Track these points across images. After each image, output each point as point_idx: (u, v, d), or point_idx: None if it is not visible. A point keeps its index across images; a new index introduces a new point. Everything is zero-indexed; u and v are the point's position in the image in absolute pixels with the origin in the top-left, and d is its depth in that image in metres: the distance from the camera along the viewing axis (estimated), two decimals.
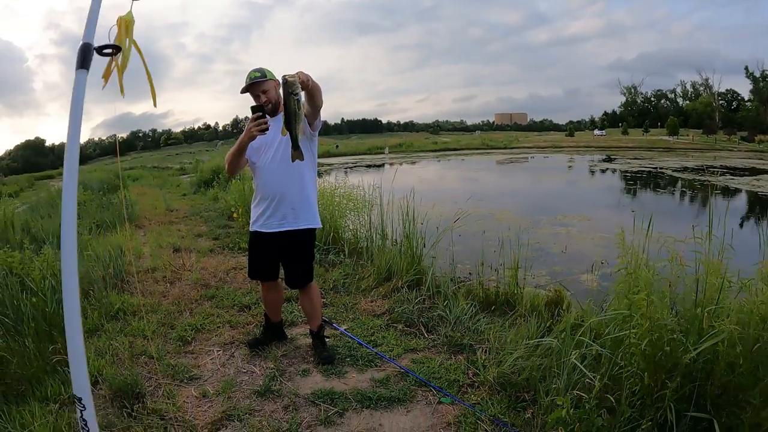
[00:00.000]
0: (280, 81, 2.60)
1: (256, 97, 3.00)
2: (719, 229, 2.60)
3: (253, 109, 2.85)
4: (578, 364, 2.50)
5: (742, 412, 2.06)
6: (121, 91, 1.84)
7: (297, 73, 2.58)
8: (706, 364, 2.22)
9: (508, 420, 2.52)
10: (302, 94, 2.67)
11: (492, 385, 2.82)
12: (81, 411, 1.67)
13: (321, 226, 3.32)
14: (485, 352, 3.20)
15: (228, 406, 2.69)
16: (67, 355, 2.84)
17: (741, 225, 9.73)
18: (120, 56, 1.74)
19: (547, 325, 3.39)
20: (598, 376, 2.39)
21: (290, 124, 2.61)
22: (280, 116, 2.77)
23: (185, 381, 2.98)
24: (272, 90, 3.02)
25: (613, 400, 2.29)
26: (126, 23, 1.74)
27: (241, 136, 2.94)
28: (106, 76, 1.77)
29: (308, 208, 3.12)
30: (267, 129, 2.82)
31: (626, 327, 2.41)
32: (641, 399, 2.30)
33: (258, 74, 2.98)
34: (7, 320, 2.70)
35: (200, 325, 3.82)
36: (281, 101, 2.85)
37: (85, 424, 1.66)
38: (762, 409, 2.01)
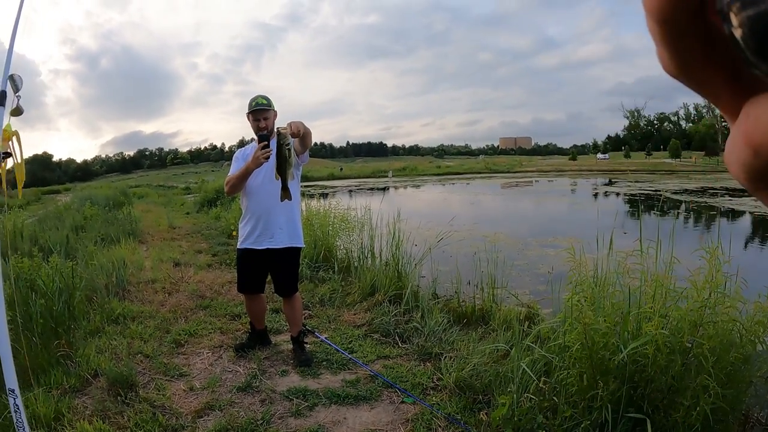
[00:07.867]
0: (276, 129, 2.96)
1: (256, 120, 3.35)
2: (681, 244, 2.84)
3: (260, 138, 3.21)
4: (526, 368, 2.71)
5: (675, 413, 2.20)
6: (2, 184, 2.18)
7: (288, 124, 2.96)
8: (639, 367, 2.35)
9: (462, 419, 2.75)
10: (294, 141, 3.05)
11: (452, 388, 3.05)
12: (14, 399, 1.90)
13: (304, 245, 3.67)
14: (450, 359, 3.43)
15: (211, 398, 2.99)
16: (71, 350, 3.19)
17: (729, 243, 9.87)
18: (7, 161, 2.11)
19: (519, 338, 3.65)
20: (543, 378, 2.65)
21: (282, 170, 2.95)
22: (273, 141, 3.15)
23: (175, 377, 3.29)
24: (272, 119, 3.41)
25: (556, 401, 2.49)
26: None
27: (248, 162, 3.25)
28: None
29: (295, 228, 3.47)
30: (270, 156, 3.16)
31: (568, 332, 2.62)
32: (584, 400, 2.44)
33: (265, 102, 3.37)
34: (18, 318, 3.03)
35: (193, 330, 4.12)
36: (274, 130, 3.25)
37: (18, 409, 1.90)
38: (693, 409, 2.13)
